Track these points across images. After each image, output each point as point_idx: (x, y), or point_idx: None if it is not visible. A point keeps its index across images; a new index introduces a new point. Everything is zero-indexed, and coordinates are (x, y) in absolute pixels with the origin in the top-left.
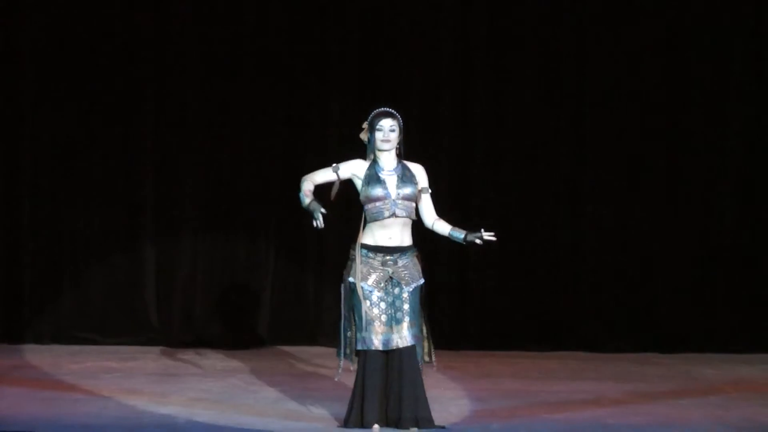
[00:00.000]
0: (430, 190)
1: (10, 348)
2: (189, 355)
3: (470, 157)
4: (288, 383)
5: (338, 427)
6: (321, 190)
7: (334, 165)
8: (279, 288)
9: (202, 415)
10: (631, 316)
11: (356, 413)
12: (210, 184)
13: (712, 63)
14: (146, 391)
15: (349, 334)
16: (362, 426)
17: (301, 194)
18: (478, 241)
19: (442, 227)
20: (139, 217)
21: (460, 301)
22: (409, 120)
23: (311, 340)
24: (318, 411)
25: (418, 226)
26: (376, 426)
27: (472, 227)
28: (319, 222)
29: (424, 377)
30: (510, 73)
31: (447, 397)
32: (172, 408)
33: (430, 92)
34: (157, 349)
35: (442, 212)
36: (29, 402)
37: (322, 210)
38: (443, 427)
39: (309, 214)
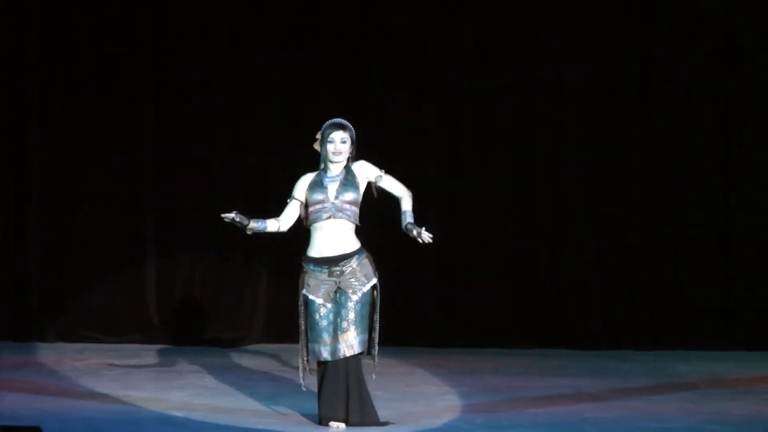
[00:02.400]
0: (383, 171)
1: (17, 346)
2: (188, 352)
3: (456, 156)
4: (282, 380)
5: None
6: (298, 224)
7: (290, 197)
8: (274, 289)
9: (201, 409)
10: (609, 315)
11: (318, 413)
12: (209, 191)
13: (683, 65)
14: (147, 387)
15: (305, 343)
16: (320, 423)
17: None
18: (414, 233)
19: (402, 206)
20: (141, 219)
21: (445, 301)
22: (396, 128)
23: None
24: (309, 406)
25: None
26: (341, 425)
27: (457, 228)
28: (236, 219)
29: (372, 378)
30: (495, 81)
31: (433, 392)
32: (171, 403)
33: (417, 101)
34: (157, 347)
35: (430, 215)
36: (35, 397)
37: (242, 222)
38: (386, 424)
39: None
